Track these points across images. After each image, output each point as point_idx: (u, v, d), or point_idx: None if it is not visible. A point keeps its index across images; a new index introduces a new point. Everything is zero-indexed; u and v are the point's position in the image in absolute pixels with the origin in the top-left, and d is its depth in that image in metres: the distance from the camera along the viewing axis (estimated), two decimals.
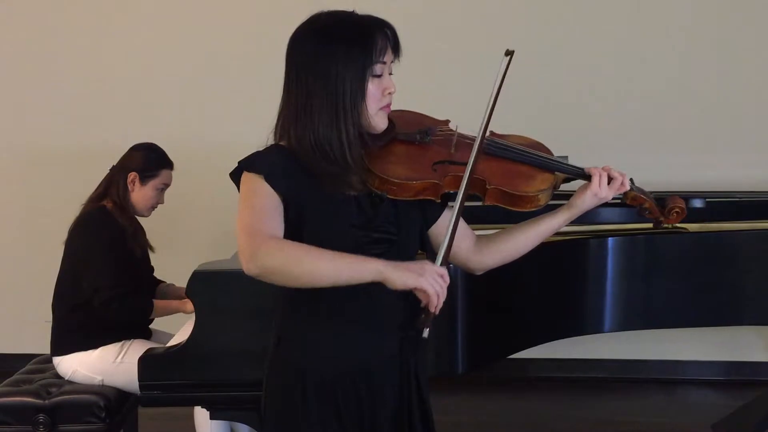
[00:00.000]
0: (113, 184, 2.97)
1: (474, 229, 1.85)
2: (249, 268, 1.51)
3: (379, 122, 1.65)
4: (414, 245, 1.75)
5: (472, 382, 4.02)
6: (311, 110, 1.61)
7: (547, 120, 3.82)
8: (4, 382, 2.92)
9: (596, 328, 2.71)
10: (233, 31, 4.24)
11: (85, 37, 4.30)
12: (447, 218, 1.69)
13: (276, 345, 1.72)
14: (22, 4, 4.31)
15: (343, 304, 1.64)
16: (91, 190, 3.02)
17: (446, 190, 1.70)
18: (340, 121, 1.60)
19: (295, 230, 1.61)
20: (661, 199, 1.90)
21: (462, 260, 1.83)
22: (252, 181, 1.62)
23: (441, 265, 1.54)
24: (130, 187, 2.97)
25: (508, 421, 3.84)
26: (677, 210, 1.87)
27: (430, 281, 1.48)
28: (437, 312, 1.51)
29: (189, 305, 2.91)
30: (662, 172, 4.02)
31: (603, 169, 1.77)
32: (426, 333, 1.54)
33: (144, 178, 2.98)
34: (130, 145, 3.07)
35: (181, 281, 2.54)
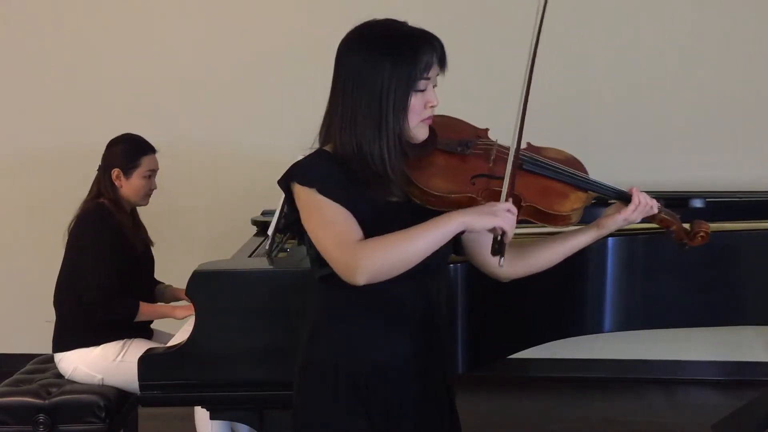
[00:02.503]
0: (101, 185, 2.98)
1: None
2: (356, 279, 1.58)
3: (419, 134, 1.69)
4: (448, 251, 1.79)
5: (472, 382, 4.02)
6: (356, 120, 1.64)
7: (547, 120, 3.80)
8: (4, 382, 2.92)
9: (596, 328, 2.71)
10: (232, 31, 4.24)
11: (83, 36, 4.30)
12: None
13: (308, 341, 1.76)
14: (21, 4, 4.31)
15: (372, 303, 1.70)
16: None
17: (483, 202, 1.72)
18: (383, 133, 1.63)
19: None
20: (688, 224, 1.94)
21: (490, 269, 1.88)
22: (309, 195, 1.65)
23: (507, 198, 1.64)
24: (117, 184, 2.98)
25: (508, 421, 3.84)
26: (702, 234, 1.92)
27: (504, 219, 1.58)
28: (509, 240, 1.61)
29: (179, 311, 2.93)
30: (662, 172, 4.03)
31: (642, 195, 1.82)
32: (502, 262, 1.61)
33: (127, 172, 2.98)
34: None
35: (181, 281, 2.54)
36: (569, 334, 2.75)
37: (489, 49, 4.08)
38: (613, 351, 4.27)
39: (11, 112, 4.37)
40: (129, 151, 3.00)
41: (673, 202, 2.78)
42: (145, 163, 3.02)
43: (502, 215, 1.59)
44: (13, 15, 4.32)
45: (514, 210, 1.61)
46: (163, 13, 4.28)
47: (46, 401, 2.75)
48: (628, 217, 1.80)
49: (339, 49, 1.69)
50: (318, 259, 1.68)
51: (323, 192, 1.62)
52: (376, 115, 1.62)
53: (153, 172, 3.06)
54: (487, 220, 1.58)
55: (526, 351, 2.68)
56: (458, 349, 2.41)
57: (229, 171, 4.28)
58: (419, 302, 1.75)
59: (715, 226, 2.84)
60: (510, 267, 1.86)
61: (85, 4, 4.29)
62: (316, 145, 1.74)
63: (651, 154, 4.08)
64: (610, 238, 2.62)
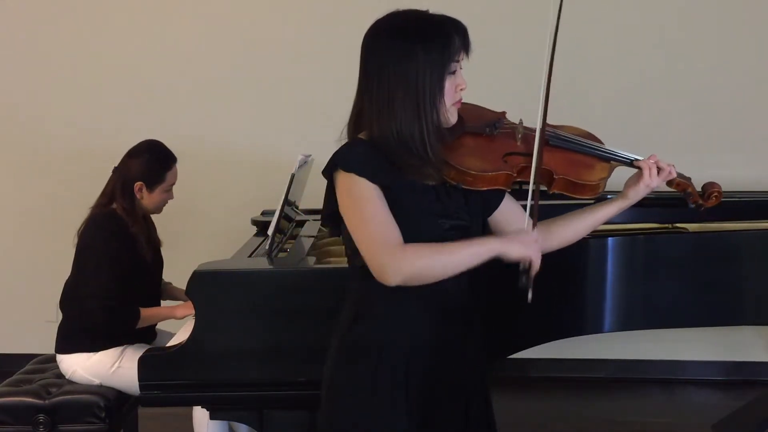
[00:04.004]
0: (117, 194, 2.91)
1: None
2: (389, 280, 1.66)
3: (451, 117, 1.76)
4: (480, 231, 1.86)
5: None
6: (393, 106, 1.68)
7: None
8: (4, 382, 2.92)
9: (596, 328, 2.71)
10: (233, 31, 4.24)
11: (85, 36, 4.30)
12: (507, 205, 1.89)
13: (350, 326, 1.80)
14: (24, 4, 4.31)
15: (413, 290, 1.72)
16: (93, 190, 2.99)
17: (517, 179, 1.82)
18: (421, 116, 1.69)
19: None
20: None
21: None
22: (354, 184, 1.69)
23: (534, 226, 1.75)
24: (138, 196, 2.92)
25: (508, 421, 3.82)
26: (715, 194, 2.04)
27: (533, 250, 1.70)
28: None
29: (179, 310, 2.91)
30: None
31: (651, 159, 1.93)
32: (530, 294, 1.71)
33: (151, 186, 2.93)
34: (131, 145, 3.01)
35: (181, 281, 2.54)
36: (569, 334, 2.75)
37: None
38: (613, 351, 4.27)
39: (16, 112, 4.37)
40: (154, 166, 2.93)
41: (674, 201, 2.79)
42: (169, 177, 2.97)
43: (533, 246, 1.70)
44: (18, 15, 4.32)
45: (540, 240, 1.74)
46: (167, 13, 4.28)
47: (46, 401, 2.75)
48: (650, 183, 1.89)
49: (366, 40, 1.73)
50: (358, 252, 1.71)
51: (369, 177, 1.67)
52: (413, 100, 1.67)
53: (173, 184, 3.02)
54: (520, 250, 1.70)
55: (526, 351, 2.68)
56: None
57: (230, 171, 4.28)
58: (458, 288, 1.80)
59: (715, 226, 2.85)
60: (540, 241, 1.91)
61: (89, 4, 4.29)
62: (344, 138, 1.78)
63: (651, 154, 4.07)
64: (610, 238, 2.61)
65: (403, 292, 1.71)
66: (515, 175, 1.80)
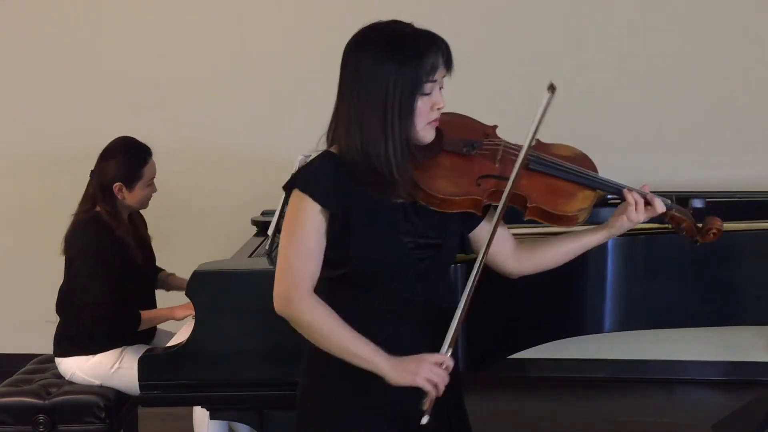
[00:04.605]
0: (98, 198, 2.88)
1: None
2: (280, 310, 1.66)
3: (425, 136, 1.70)
4: (456, 250, 1.80)
5: (472, 382, 4.02)
6: (361, 123, 1.64)
7: (547, 120, 3.81)
8: (4, 382, 2.92)
9: (596, 328, 2.71)
10: (233, 31, 4.24)
11: (81, 36, 4.29)
12: (485, 229, 1.76)
13: None
14: (18, 4, 4.30)
15: (380, 303, 1.71)
16: None
17: (487, 203, 1.74)
18: (388, 136, 1.63)
19: (343, 240, 1.67)
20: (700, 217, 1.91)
21: (499, 265, 1.88)
22: (302, 206, 1.67)
23: (448, 348, 1.62)
24: (119, 197, 2.89)
25: (508, 421, 3.83)
26: (714, 231, 1.88)
27: (425, 377, 1.58)
28: (440, 395, 1.59)
29: (178, 311, 2.90)
30: (662, 172, 4.02)
31: (641, 193, 1.80)
32: (425, 420, 1.58)
33: (130, 185, 2.90)
34: None
35: None
36: (569, 334, 2.75)
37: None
38: (613, 351, 4.26)
39: (12, 112, 4.37)
40: (130, 164, 2.90)
41: None
42: (147, 172, 2.94)
43: (425, 373, 1.58)
44: (9, 15, 4.31)
45: (449, 362, 1.61)
46: (163, 13, 4.27)
47: (46, 401, 2.75)
48: (633, 218, 1.79)
49: (345, 51, 1.69)
50: (324, 262, 1.69)
51: (316, 198, 1.64)
52: (381, 119, 1.62)
53: (154, 177, 2.99)
54: (406, 379, 1.59)
55: (526, 351, 2.68)
56: (458, 349, 2.41)
57: (230, 171, 4.27)
58: (428, 302, 1.75)
59: None
60: (519, 263, 1.87)
61: (83, 3, 4.29)
62: (322, 146, 1.74)
63: (651, 155, 4.07)
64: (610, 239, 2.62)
65: (367, 307, 1.70)
66: (485, 200, 1.72)
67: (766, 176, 3.99)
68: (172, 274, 3.23)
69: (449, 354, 1.62)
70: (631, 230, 2.74)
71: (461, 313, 1.64)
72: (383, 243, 1.68)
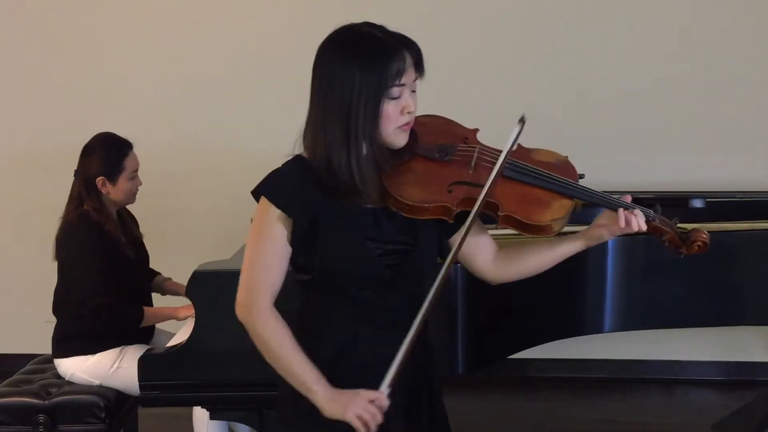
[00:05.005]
0: (84, 194, 2.89)
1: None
2: (241, 318, 1.68)
3: (397, 140, 1.67)
4: (432, 254, 1.77)
5: (472, 382, 4.02)
6: (325, 128, 1.63)
7: (547, 120, 3.81)
8: (4, 382, 2.92)
9: (596, 328, 2.71)
10: (233, 30, 4.24)
11: (81, 36, 4.29)
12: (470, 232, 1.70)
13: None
14: (18, 3, 4.30)
15: (357, 303, 1.69)
16: None
17: (459, 210, 1.69)
18: (351, 144, 1.61)
19: (309, 246, 1.66)
20: (685, 232, 1.84)
21: (479, 271, 1.86)
22: (267, 214, 1.67)
23: (389, 384, 1.58)
24: (103, 191, 2.90)
25: (508, 421, 3.83)
26: (699, 243, 1.82)
27: (356, 412, 1.57)
28: None
29: (181, 311, 2.91)
30: (662, 172, 4.03)
31: (626, 209, 1.74)
32: None
33: (113, 178, 2.91)
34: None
35: (181, 281, 2.54)
36: (569, 334, 2.75)
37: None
38: (613, 351, 4.27)
39: (10, 112, 4.37)
40: (110, 156, 2.91)
41: (673, 202, 2.80)
42: (129, 164, 2.94)
43: (356, 408, 1.57)
44: (10, 14, 4.31)
45: (383, 401, 1.58)
46: (163, 13, 4.28)
47: (46, 401, 2.75)
48: (616, 232, 1.76)
49: (316, 54, 1.68)
50: (294, 266, 1.69)
51: (280, 206, 1.64)
52: (345, 125, 1.60)
53: (137, 169, 2.99)
54: (336, 412, 1.59)
55: (526, 351, 2.68)
56: (458, 349, 2.41)
57: (230, 171, 4.27)
58: (402, 308, 1.70)
59: (715, 226, 2.85)
60: (497, 270, 1.84)
61: (83, 4, 4.29)
62: (298, 149, 1.72)
63: (651, 155, 4.07)
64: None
65: (341, 310, 1.69)
66: (455, 208, 1.67)
67: (766, 176, 3.99)
68: (169, 279, 3.23)
69: (387, 392, 1.58)
70: None
71: (407, 347, 1.59)
72: (348, 249, 1.66)
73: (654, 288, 2.69)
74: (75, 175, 2.95)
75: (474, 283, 2.34)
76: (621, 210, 1.73)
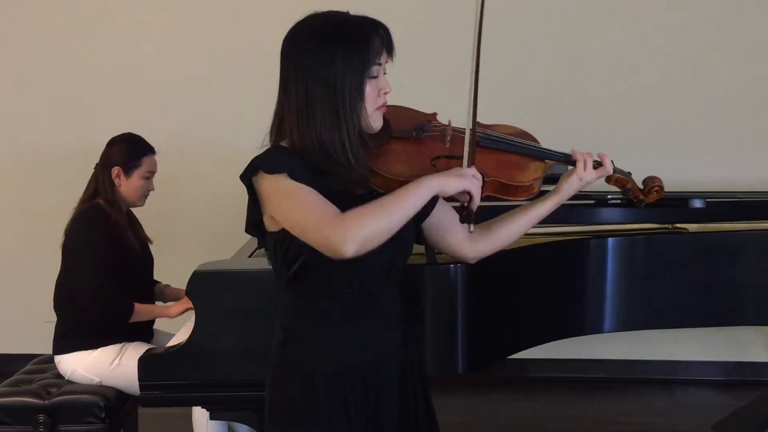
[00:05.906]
0: (99, 182, 2.96)
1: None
2: (345, 250, 1.53)
3: (375, 122, 1.70)
4: (411, 240, 1.80)
5: (472, 382, 4.02)
6: (313, 113, 1.63)
7: (546, 120, 3.81)
8: (4, 382, 2.92)
9: (596, 328, 2.71)
10: (232, 30, 4.24)
11: (82, 36, 4.30)
12: (442, 210, 1.81)
13: (282, 344, 1.74)
14: (20, 4, 4.30)
15: (347, 301, 1.68)
16: None
17: None
18: (342, 123, 1.62)
19: None
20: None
21: (457, 249, 1.89)
22: (279, 182, 1.61)
23: (469, 166, 1.68)
24: (116, 182, 2.96)
25: (508, 421, 3.84)
26: (656, 189, 2.00)
27: (472, 182, 1.63)
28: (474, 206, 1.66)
29: (173, 309, 2.92)
30: (662, 172, 3.99)
31: (587, 154, 1.85)
32: (472, 228, 1.69)
33: (128, 170, 2.97)
34: None
35: (181, 281, 2.53)
36: (569, 334, 2.75)
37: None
38: (613, 351, 4.27)
39: (11, 111, 4.37)
40: (131, 150, 3.00)
41: (673, 202, 2.79)
42: (146, 163, 3.01)
43: (470, 178, 1.63)
44: (12, 15, 4.32)
45: (479, 176, 1.66)
46: (163, 13, 4.28)
47: (46, 401, 2.75)
48: (583, 177, 1.83)
49: (284, 45, 1.70)
50: (285, 260, 1.65)
51: (293, 176, 1.60)
52: (333, 106, 1.62)
53: (152, 173, 3.05)
54: (457, 183, 1.62)
55: (525, 351, 2.68)
56: (458, 349, 2.41)
57: (229, 171, 4.24)
58: (392, 297, 1.74)
59: (715, 226, 2.86)
60: (475, 245, 1.87)
61: (83, 4, 4.29)
62: (267, 144, 1.72)
63: (651, 155, 4.07)
64: (610, 239, 2.62)
65: (332, 306, 1.67)
66: None
67: (766, 176, 3.99)
68: (168, 286, 3.25)
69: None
70: (631, 230, 2.77)
71: (469, 138, 1.70)
72: None
73: (654, 288, 2.69)
74: (95, 167, 3.01)
75: (474, 283, 2.36)
76: (577, 154, 1.84)
